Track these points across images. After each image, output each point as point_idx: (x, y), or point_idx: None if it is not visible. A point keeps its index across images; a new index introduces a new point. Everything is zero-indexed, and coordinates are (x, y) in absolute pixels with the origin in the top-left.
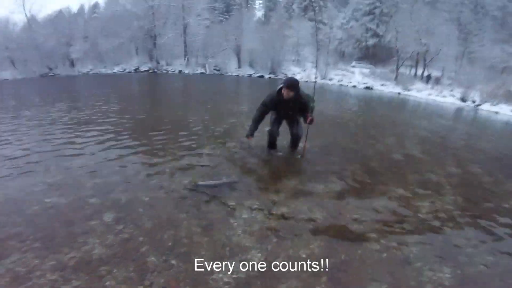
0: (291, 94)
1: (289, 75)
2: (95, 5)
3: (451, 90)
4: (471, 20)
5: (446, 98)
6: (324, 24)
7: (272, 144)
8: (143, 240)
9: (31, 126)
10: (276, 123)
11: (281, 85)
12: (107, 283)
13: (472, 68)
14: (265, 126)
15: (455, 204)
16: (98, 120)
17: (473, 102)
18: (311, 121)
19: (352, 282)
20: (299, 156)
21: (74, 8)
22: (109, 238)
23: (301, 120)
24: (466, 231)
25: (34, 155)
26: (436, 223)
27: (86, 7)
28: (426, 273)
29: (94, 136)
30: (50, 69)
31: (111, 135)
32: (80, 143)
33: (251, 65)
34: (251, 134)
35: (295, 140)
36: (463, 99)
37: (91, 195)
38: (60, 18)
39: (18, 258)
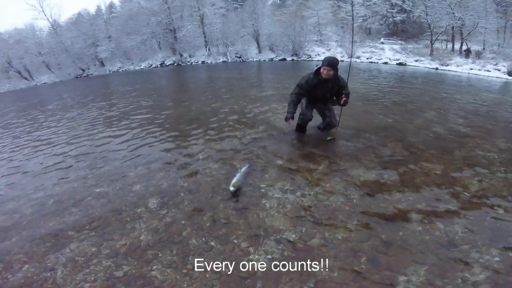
0: (331, 73)
1: (313, 56)
2: (111, 5)
3: (496, 64)
4: None
5: (491, 72)
6: (344, 1)
7: (302, 127)
8: (185, 223)
9: (75, 126)
10: (309, 107)
11: (317, 66)
12: (154, 267)
13: None
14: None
15: (507, 182)
16: (134, 115)
17: None
18: (345, 102)
19: (392, 263)
20: (328, 138)
21: (91, 10)
22: (154, 223)
23: (333, 108)
24: None
25: (81, 151)
26: (485, 203)
27: (103, 8)
28: (472, 255)
29: (131, 129)
30: (83, 70)
31: (147, 128)
32: (119, 137)
33: (271, 49)
34: (291, 117)
35: (328, 128)
36: (510, 73)
37: (135, 182)
38: (81, 21)
39: (77, 247)
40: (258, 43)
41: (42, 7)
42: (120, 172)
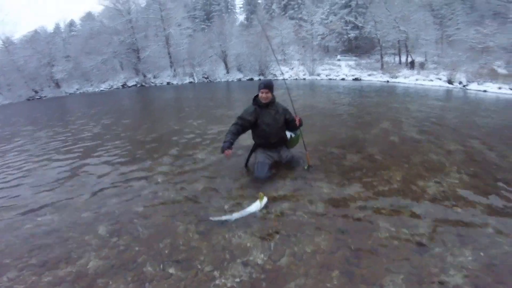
0: (270, 96)
1: (278, 75)
2: (71, 23)
3: (437, 74)
4: (443, 4)
5: (433, 81)
6: (305, 21)
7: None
8: (139, 250)
9: (20, 152)
10: (265, 165)
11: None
12: None
13: (453, 50)
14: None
15: (462, 182)
16: (87, 140)
17: (460, 83)
18: (301, 122)
19: (366, 275)
20: (306, 167)
21: (49, 28)
22: (105, 250)
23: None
24: (479, 210)
25: (24, 178)
26: (446, 204)
27: (62, 26)
28: (446, 258)
29: (83, 154)
30: (36, 92)
31: (101, 153)
32: (68, 163)
33: (239, 69)
34: (226, 146)
35: (294, 162)
36: (450, 81)
37: (83, 209)
38: (37, 39)
39: (16, 276)
40: (226, 64)
41: None
42: (67, 200)
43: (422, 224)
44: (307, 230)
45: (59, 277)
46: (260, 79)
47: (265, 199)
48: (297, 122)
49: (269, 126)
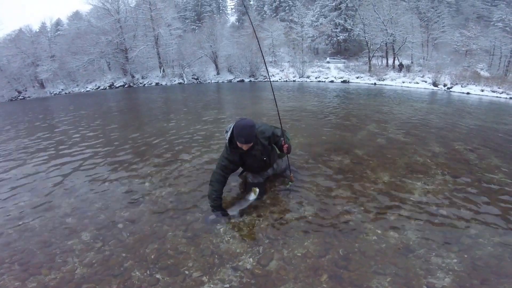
0: (251, 145)
1: (269, 77)
2: (58, 22)
3: (422, 76)
4: (429, 8)
5: (419, 84)
6: (295, 23)
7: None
8: (126, 255)
9: (1, 157)
10: (260, 185)
11: (227, 132)
12: None
13: (438, 53)
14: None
15: (446, 184)
16: (72, 142)
17: (444, 85)
18: (289, 149)
19: (355, 277)
20: (289, 185)
21: (35, 27)
22: (89, 256)
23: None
24: (463, 211)
25: (5, 183)
26: (431, 206)
27: (48, 25)
28: (432, 260)
29: (67, 157)
30: (19, 92)
31: (86, 155)
32: (51, 167)
33: (229, 70)
34: (225, 213)
35: (281, 174)
36: (434, 84)
37: (67, 214)
38: (21, 38)
39: None
40: (216, 65)
41: None
42: (50, 204)
43: (408, 226)
44: (296, 234)
45: (43, 283)
46: (250, 81)
47: (257, 190)
48: (285, 150)
49: (259, 167)
